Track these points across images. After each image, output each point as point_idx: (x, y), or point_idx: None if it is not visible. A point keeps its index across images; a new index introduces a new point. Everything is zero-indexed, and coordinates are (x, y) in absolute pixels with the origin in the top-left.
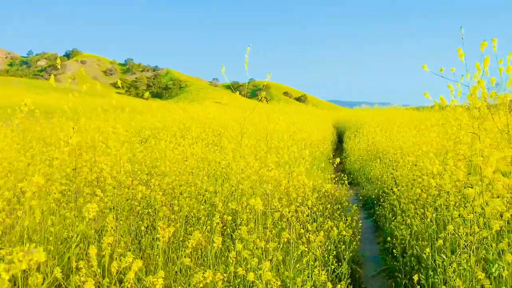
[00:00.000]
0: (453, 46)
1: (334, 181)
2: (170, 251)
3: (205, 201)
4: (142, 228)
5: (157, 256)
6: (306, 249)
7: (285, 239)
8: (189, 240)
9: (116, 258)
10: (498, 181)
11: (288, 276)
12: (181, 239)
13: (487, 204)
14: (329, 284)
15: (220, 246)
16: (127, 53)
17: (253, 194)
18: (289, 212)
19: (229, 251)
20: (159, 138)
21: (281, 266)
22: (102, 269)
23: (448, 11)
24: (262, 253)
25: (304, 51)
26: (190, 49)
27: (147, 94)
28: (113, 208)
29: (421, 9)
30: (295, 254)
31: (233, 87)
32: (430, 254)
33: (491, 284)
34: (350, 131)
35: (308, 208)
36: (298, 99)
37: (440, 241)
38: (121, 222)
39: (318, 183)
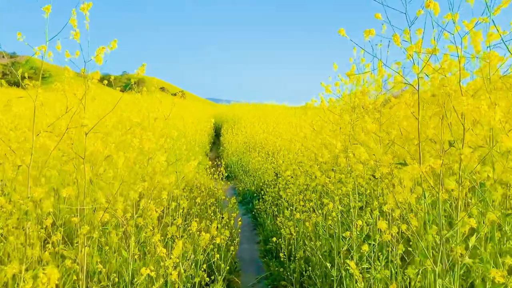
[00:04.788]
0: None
1: (209, 173)
2: None
3: None
4: None
5: None
6: (153, 273)
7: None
8: None
9: None
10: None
11: None
12: None
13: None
14: None
15: None
16: None
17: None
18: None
19: None
20: None
21: None
22: None
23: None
24: None
25: (182, 46)
26: (53, 34)
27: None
28: None
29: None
30: (136, 283)
31: (104, 79)
32: (336, 260)
33: None
34: (227, 124)
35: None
36: (175, 95)
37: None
38: None
39: (190, 175)
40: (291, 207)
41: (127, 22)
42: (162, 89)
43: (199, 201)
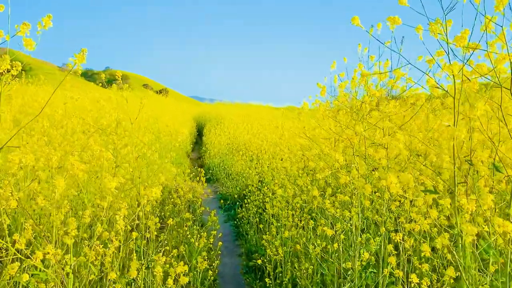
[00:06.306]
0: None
1: (190, 177)
2: None
3: None
4: None
5: None
6: None
7: None
8: None
9: None
10: None
11: None
12: None
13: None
14: None
15: None
16: None
17: None
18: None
19: None
20: None
21: None
22: None
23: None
24: None
25: (169, 44)
26: (35, 26)
27: None
28: None
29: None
30: None
31: (87, 75)
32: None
33: None
34: (210, 124)
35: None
36: (159, 92)
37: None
38: None
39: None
40: (278, 223)
41: (112, 17)
42: (146, 86)
43: (171, 222)
